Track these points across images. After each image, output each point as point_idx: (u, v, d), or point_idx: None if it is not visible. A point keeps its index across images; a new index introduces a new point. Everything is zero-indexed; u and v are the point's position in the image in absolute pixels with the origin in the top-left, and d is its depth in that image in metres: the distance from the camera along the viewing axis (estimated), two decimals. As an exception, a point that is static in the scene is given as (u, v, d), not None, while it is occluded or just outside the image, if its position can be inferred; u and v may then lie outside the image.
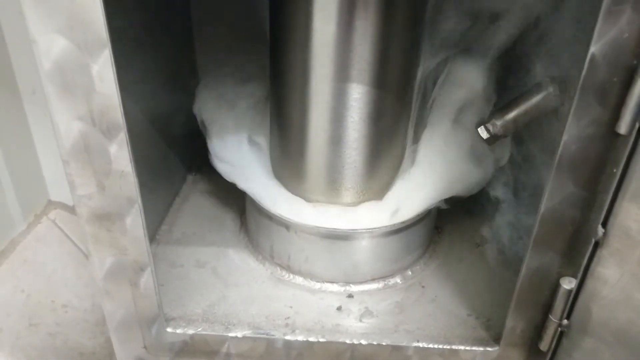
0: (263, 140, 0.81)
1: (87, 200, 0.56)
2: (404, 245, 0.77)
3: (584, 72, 0.47)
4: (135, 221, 0.57)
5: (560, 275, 0.59)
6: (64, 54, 0.47)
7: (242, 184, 0.77)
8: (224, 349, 0.68)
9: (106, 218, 0.57)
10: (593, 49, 0.46)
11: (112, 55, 0.48)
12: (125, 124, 0.52)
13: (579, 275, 0.57)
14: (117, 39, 0.48)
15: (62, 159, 0.53)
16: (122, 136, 0.52)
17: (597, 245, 0.54)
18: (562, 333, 0.61)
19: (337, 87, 0.65)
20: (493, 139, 0.73)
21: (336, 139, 0.69)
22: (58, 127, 0.51)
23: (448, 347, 0.67)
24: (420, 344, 0.67)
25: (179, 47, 0.92)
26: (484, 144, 0.74)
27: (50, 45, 0.47)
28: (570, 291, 0.58)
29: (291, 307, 0.73)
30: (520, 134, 0.77)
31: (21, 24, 0.88)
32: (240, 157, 0.80)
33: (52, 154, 1.04)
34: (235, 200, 0.91)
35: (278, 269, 0.79)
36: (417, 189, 0.74)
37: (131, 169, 0.54)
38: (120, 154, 0.53)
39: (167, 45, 0.85)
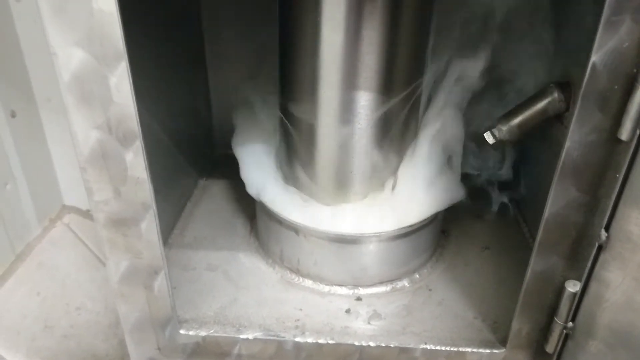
0: (272, 146, 0.83)
1: (104, 206, 0.58)
2: (411, 249, 0.79)
3: (585, 81, 0.49)
4: (149, 226, 0.59)
5: (565, 278, 0.60)
6: (82, 66, 0.49)
7: (252, 190, 0.79)
8: (235, 351, 0.70)
9: (122, 223, 0.59)
10: (594, 57, 0.48)
11: (128, 67, 0.50)
12: (140, 132, 0.53)
13: (583, 278, 0.58)
14: (133, 51, 0.50)
15: (80, 166, 0.55)
16: (138, 144, 0.54)
17: (600, 249, 0.55)
18: (567, 335, 0.62)
19: (344, 95, 0.66)
20: (499, 144, 0.74)
21: (344, 145, 0.70)
22: (76, 136, 0.53)
23: (455, 349, 0.68)
24: (428, 346, 0.68)
25: (190, 57, 0.94)
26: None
27: (69, 57, 0.49)
28: (574, 294, 0.59)
29: (301, 309, 0.74)
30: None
31: (37, 33, 0.91)
32: (250, 162, 0.82)
33: (67, 160, 1.06)
34: (246, 205, 0.92)
35: (288, 272, 0.80)
36: (423, 193, 0.76)
37: (146, 176, 0.56)
38: (135, 161, 0.55)
39: (179, 56, 0.87)
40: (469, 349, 0.68)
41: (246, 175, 0.81)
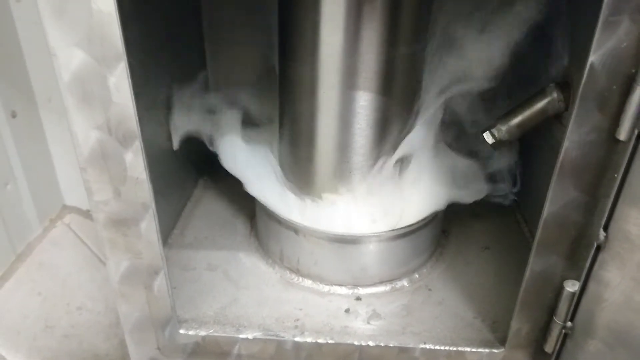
0: (272, 146, 0.83)
1: (104, 206, 0.58)
2: (411, 249, 0.79)
3: (583, 81, 0.49)
4: (149, 226, 0.59)
5: (564, 278, 0.60)
6: (82, 66, 0.49)
7: (252, 189, 0.79)
8: (235, 350, 0.70)
9: (122, 223, 0.59)
10: (592, 58, 0.48)
11: (128, 68, 0.50)
12: (140, 133, 0.53)
13: (582, 278, 0.58)
14: (132, 51, 0.50)
15: (80, 167, 0.55)
16: (137, 144, 0.54)
17: (599, 248, 0.55)
18: (566, 335, 0.62)
19: (344, 95, 0.66)
20: (498, 144, 0.74)
21: (343, 145, 0.70)
22: (76, 136, 0.53)
23: (454, 348, 0.68)
24: (427, 346, 0.68)
25: (190, 57, 0.94)
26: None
27: (69, 58, 0.49)
28: (573, 294, 0.59)
29: (300, 309, 0.74)
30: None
31: (38, 34, 0.91)
32: (250, 163, 0.82)
33: (67, 160, 1.06)
34: (246, 204, 0.93)
35: (287, 272, 0.80)
36: (424, 193, 0.76)
37: (146, 176, 0.56)
38: (135, 161, 0.55)
39: (178, 56, 0.87)
40: (469, 349, 0.68)
41: (246, 175, 0.81)
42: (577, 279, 0.58)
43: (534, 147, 0.85)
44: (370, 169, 0.72)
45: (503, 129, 0.73)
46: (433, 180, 0.76)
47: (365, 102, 0.66)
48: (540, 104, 0.71)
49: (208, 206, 0.96)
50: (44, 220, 1.06)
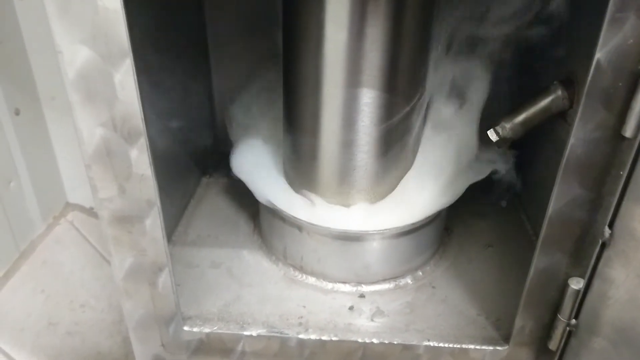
0: (276, 144, 0.83)
1: (109, 203, 0.58)
2: (414, 247, 0.79)
3: (589, 78, 0.49)
4: (154, 223, 0.59)
5: (568, 275, 0.60)
6: (87, 63, 0.49)
7: (255, 188, 0.79)
8: (239, 347, 0.70)
9: (126, 220, 0.59)
10: (598, 54, 0.48)
11: (133, 64, 0.50)
12: (145, 130, 0.53)
13: (587, 275, 0.58)
14: (137, 48, 0.50)
15: (85, 164, 0.56)
16: (142, 141, 0.54)
17: (603, 246, 0.55)
18: (570, 333, 0.62)
19: (348, 92, 0.66)
20: (502, 142, 0.74)
21: (347, 143, 0.70)
22: (81, 133, 0.53)
23: (458, 346, 0.68)
24: (431, 343, 0.68)
25: (193, 55, 0.94)
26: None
27: (74, 55, 0.49)
28: (578, 291, 0.59)
29: (304, 306, 0.74)
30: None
31: (42, 32, 0.92)
32: (253, 161, 0.82)
33: (70, 158, 1.07)
34: (249, 202, 0.92)
35: (291, 269, 0.80)
36: (427, 191, 0.76)
37: (151, 173, 0.56)
38: (140, 158, 0.55)
39: (182, 54, 0.87)
40: (472, 346, 0.68)
41: (250, 174, 0.81)
42: (582, 277, 0.58)
43: (538, 145, 0.85)
44: (374, 166, 0.72)
45: (507, 127, 0.73)
46: (438, 177, 0.76)
47: (369, 100, 0.66)
48: (544, 102, 0.71)
49: (211, 204, 0.96)
50: (47, 218, 1.06)
